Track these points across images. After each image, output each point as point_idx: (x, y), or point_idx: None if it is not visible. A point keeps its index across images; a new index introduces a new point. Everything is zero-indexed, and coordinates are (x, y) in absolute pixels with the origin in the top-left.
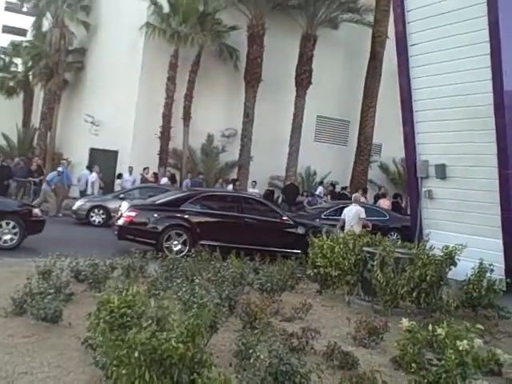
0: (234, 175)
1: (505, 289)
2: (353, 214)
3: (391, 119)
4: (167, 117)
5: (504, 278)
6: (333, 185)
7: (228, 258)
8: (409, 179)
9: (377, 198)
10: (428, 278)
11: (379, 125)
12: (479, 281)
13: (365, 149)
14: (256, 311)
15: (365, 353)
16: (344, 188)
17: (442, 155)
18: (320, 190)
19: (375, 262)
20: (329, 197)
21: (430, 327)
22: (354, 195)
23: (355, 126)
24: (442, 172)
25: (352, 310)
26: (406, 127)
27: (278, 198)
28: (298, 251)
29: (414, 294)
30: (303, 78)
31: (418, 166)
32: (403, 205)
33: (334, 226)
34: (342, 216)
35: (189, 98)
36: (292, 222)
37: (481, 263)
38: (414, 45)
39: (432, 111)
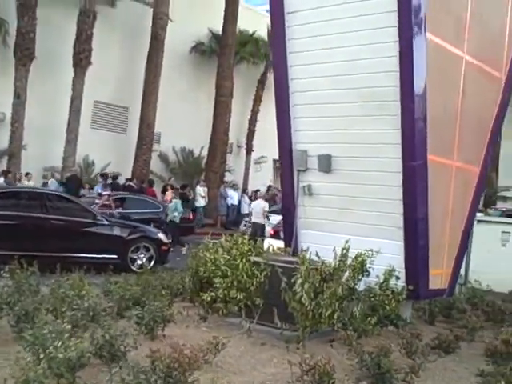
0: (2, 166)
1: (405, 296)
2: (260, 208)
3: (170, 107)
4: None
5: (405, 284)
6: (114, 177)
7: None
8: (282, 172)
9: (165, 189)
10: (342, 292)
11: (158, 112)
12: (385, 290)
13: (147, 137)
14: (174, 367)
15: None
16: (129, 179)
17: (325, 144)
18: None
19: (299, 281)
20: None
21: None
22: (259, 193)
23: (134, 112)
24: (326, 164)
25: (255, 341)
26: (280, 112)
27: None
28: (115, 256)
29: (336, 315)
30: (82, 58)
31: (294, 156)
32: (191, 197)
33: None
34: (250, 209)
35: None
36: (107, 222)
37: (391, 270)
38: (292, 12)
39: (314, 92)
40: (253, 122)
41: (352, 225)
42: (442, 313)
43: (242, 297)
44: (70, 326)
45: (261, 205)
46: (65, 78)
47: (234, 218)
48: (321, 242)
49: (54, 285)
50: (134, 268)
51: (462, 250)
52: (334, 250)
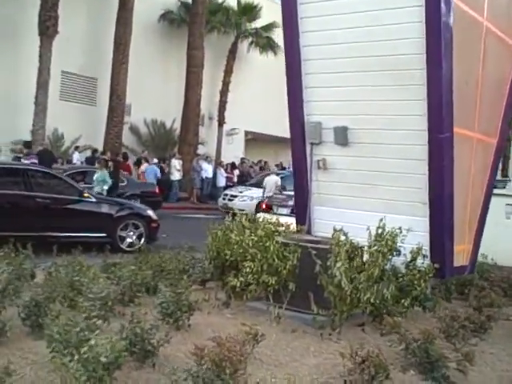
0: None
1: (431, 275)
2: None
3: (139, 77)
4: None
5: (431, 263)
6: (94, 150)
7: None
8: (293, 145)
9: (139, 162)
10: (379, 274)
11: (128, 83)
12: (412, 270)
13: (118, 109)
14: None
15: None
16: (102, 153)
17: (340, 116)
18: (77, 156)
19: (338, 264)
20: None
21: None
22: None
23: (103, 83)
24: (342, 136)
25: (285, 328)
26: (291, 81)
27: None
28: (103, 235)
29: (372, 299)
30: (48, 26)
31: (307, 129)
32: (166, 170)
33: None
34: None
35: None
36: (94, 199)
37: (419, 248)
38: None
39: (329, 60)
40: (224, 93)
41: (371, 200)
42: (457, 290)
43: (273, 281)
44: (100, 321)
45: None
46: (31, 47)
47: (209, 191)
48: (336, 218)
49: (54, 269)
50: (123, 247)
51: (481, 225)
52: (369, 229)
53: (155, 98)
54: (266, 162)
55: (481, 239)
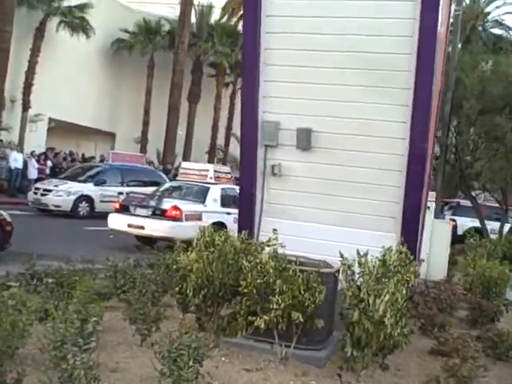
0: None
1: None
2: None
3: None
4: None
5: None
6: None
7: None
8: (242, 147)
9: None
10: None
11: None
12: None
13: None
14: None
15: None
16: None
17: (303, 116)
18: None
19: (385, 298)
20: None
21: None
22: None
23: None
24: (305, 140)
25: (295, 371)
26: (247, 70)
27: None
28: None
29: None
30: None
31: (262, 128)
32: None
33: None
34: None
35: None
36: None
37: None
38: None
39: (295, 52)
40: (30, 74)
41: (331, 213)
42: None
43: (301, 318)
44: None
45: None
46: None
47: (19, 183)
48: (289, 232)
49: None
50: None
51: (422, 234)
52: (383, 248)
53: None
54: (83, 154)
55: (421, 249)
